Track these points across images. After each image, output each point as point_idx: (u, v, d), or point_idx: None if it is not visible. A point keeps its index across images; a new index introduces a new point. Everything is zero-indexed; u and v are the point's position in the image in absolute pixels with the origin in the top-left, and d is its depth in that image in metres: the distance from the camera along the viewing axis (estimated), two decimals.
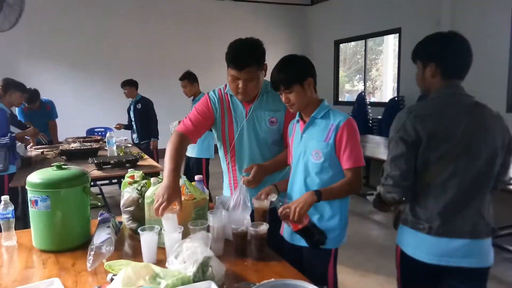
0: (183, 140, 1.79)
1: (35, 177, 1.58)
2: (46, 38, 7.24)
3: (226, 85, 1.90)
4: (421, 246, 1.49)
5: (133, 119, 5.46)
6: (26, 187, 1.58)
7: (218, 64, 8.03)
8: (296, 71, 1.62)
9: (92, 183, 5.40)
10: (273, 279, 1.20)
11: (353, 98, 8.81)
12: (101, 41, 7.67)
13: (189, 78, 4.42)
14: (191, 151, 4.29)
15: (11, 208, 1.66)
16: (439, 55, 1.52)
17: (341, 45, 8.96)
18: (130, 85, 5.35)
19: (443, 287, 1.53)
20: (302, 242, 1.64)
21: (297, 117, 1.73)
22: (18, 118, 4.56)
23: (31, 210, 1.59)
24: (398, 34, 7.24)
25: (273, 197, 1.62)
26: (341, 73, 9.29)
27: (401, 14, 7.08)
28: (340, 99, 9.05)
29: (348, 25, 8.33)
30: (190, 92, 4.44)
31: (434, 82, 1.55)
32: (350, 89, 9.80)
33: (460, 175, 1.46)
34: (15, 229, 1.71)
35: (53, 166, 1.64)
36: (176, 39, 8.21)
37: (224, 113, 1.89)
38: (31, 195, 1.57)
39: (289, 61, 1.65)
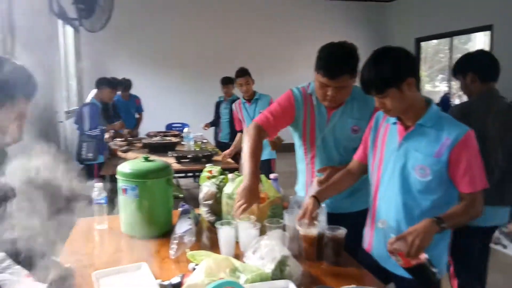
0: (261, 135, 1.73)
1: (126, 167, 1.70)
2: (130, 37, 7.76)
3: (309, 84, 1.83)
4: None
5: (227, 117, 5.13)
6: (117, 176, 1.71)
7: (291, 63, 8.18)
8: (392, 70, 1.32)
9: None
10: (354, 286, 1.17)
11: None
12: (180, 39, 8.05)
13: (250, 75, 3.93)
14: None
15: (104, 194, 1.81)
16: (475, 65, 2.08)
17: (422, 43, 8.45)
18: (232, 83, 5.01)
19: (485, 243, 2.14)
20: (399, 270, 1.39)
21: (394, 119, 1.47)
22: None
23: (121, 198, 1.71)
24: (489, 31, 6.64)
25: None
26: (422, 73, 8.77)
27: (493, 9, 6.47)
28: None
29: (431, 22, 7.82)
30: (250, 90, 3.90)
31: (475, 86, 2.07)
32: (431, 90, 9.20)
33: (499, 162, 1.96)
34: None
35: (141, 158, 1.76)
36: (252, 37, 8.34)
37: (307, 114, 1.81)
38: (121, 184, 1.69)
39: (382, 57, 1.36)
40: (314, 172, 1.86)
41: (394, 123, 1.46)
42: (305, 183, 1.91)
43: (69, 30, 6.48)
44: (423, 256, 1.25)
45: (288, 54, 8.34)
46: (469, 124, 1.56)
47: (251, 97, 3.87)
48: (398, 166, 1.42)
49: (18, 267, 1.49)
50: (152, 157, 1.82)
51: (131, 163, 1.74)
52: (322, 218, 1.58)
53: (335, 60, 1.61)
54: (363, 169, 1.63)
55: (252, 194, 1.50)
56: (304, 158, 1.90)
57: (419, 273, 1.28)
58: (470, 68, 2.08)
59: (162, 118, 7.14)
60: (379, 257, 1.53)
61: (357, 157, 1.66)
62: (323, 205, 1.61)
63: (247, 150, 1.66)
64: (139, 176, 1.66)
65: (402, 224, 1.42)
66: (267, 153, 3.99)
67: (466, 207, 1.34)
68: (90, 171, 3.87)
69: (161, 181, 1.71)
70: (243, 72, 3.91)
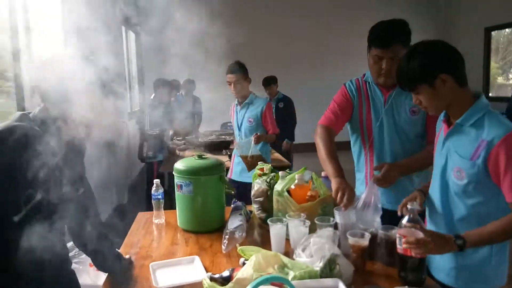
0: (330, 134, 1.77)
1: (180, 164, 1.78)
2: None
3: (364, 74, 1.85)
4: None
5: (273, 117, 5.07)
6: (173, 173, 1.79)
7: (351, 56, 7.97)
8: (420, 66, 1.25)
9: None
10: (406, 287, 1.12)
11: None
12: (234, 38, 8.17)
13: (245, 72, 3.02)
14: None
15: (161, 190, 1.90)
16: None
17: (493, 32, 7.82)
18: (274, 82, 4.96)
19: None
20: (439, 276, 1.39)
21: (442, 115, 1.40)
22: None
23: (177, 194, 1.79)
24: None
25: (412, 205, 1.31)
26: (493, 64, 8.11)
27: None
28: (490, 94, 7.90)
29: (504, 8, 7.21)
30: (242, 91, 3.00)
31: None
32: (502, 83, 8.50)
33: None
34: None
35: (195, 156, 1.83)
36: (305, 32, 8.24)
37: (362, 100, 1.82)
38: (177, 180, 1.77)
39: (415, 52, 1.28)
40: (373, 163, 1.82)
41: (442, 121, 1.39)
42: (365, 179, 1.87)
43: (131, 35, 6.87)
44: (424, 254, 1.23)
45: (348, 47, 8.15)
46: None
47: (243, 100, 3.02)
48: (442, 166, 1.35)
49: (84, 256, 1.63)
50: (207, 155, 1.88)
51: (186, 161, 1.81)
52: (377, 219, 1.54)
53: (386, 29, 1.63)
54: None
55: (345, 193, 1.50)
56: (363, 150, 1.87)
57: (409, 265, 1.25)
58: None
59: (218, 117, 7.31)
60: (429, 264, 1.45)
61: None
62: (379, 205, 1.57)
63: (323, 153, 1.70)
64: (193, 173, 1.73)
65: (441, 227, 1.35)
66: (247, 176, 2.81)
67: (505, 224, 1.19)
68: (151, 168, 4.08)
69: (214, 178, 1.76)
70: (233, 68, 2.94)
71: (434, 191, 1.41)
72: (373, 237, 1.47)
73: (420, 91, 1.27)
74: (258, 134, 2.82)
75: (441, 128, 1.43)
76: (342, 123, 1.85)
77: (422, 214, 1.55)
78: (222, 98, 8.16)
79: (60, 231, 1.25)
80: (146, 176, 4.17)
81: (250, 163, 2.71)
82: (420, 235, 1.20)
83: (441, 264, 1.39)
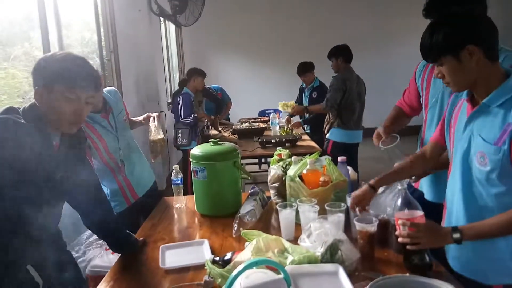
0: (398, 112, 1.89)
1: (196, 150, 1.81)
2: (222, 29, 8.09)
3: None
4: None
5: (307, 105, 4.64)
6: (190, 159, 1.83)
7: (394, 41, 7.65)
8: (446, 35, 1.12)
9: (263, 160, 5.71)
10: (407, 274, 1.08)
11: None
12: (273, 26, 8.12)
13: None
14: None
15: (180, 176, 1.95)
16: None
17: None
18: (310, 70, 4.59)
19: None
20: (458, 267, 1.29)
21: (465, 93, 1.26)
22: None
23: (193, 179, 1.83)
24: None
25: (402, 185, 1.28)
26: None
27: None
28: None
29: None
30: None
31: None
32: None
33: None
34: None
35: (210, 141, 1.85)
36: (345, 18, 8.01)
37: (424, 80, 1.79)
38: (193, 166, 1.81)
39: (442, 21, 1.16)
40: (422, 145, 1.77)
41: (466, 99, 1.24)
42: None
43: (172, 26, 7.01)
44: None
45: (385, 32, 7.82)
46: None
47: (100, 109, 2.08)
48: (463, 150, 1.21)
49: (101, 241, 1.72)
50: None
51: (201, 147, 1.84)
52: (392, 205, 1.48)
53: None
54: (440, 151, 1.44)
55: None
56: (421, 131, 1.86)
57: (412, 254, 1.21)
58: None
59: (256, 104, 7.34)
60: (446, 252, 1.36)
61: (432, 137, 1.47)
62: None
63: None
64: (207, 159, 1.76)
65: (461, 216, 1.23)
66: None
67: (507, 218, 1.09)
68: (186, 156, 4.18)
69: (228, 164, 1.78)
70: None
71: (454, 180, 1.26)
72: (385, 224, 1.42)
73: (444, 62, 1.15)
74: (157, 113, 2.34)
75: (459, 107, 1.30)
76: (411, 103, 1.90)
77: (439, 210, 1.45)
78: (261, 85, 8.23)
79: (54, 214, 1.32)
80: (182, 163, 4.28)
81: (160, 148, 2.28)
82: (416, 214, 1.18)
83: (458, 254, 1.29)
